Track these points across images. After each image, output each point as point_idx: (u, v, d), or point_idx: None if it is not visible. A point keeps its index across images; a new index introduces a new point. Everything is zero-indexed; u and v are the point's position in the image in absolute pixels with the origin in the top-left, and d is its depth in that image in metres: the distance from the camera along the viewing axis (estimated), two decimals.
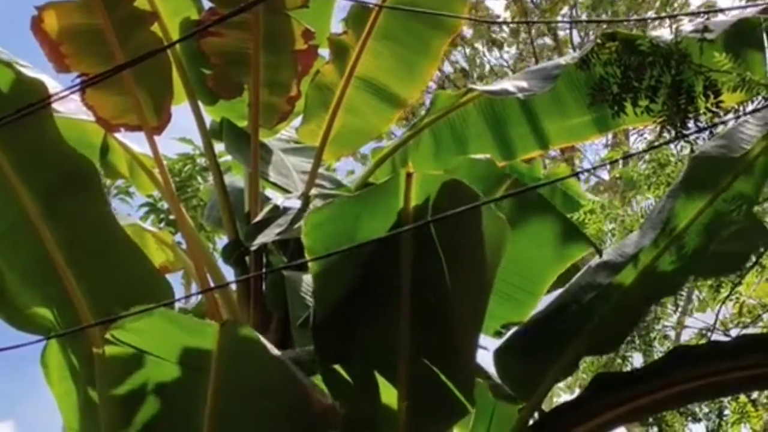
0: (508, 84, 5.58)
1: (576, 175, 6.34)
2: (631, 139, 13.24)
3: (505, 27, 14.23)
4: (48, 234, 4.77)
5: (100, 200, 5.03)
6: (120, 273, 4.90)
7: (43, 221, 4.78)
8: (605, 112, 5.86)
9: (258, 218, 5.26)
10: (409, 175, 4.14)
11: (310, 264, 4.37)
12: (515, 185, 4.84)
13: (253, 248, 5.21)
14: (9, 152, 4.74)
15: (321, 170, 5.99)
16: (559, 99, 6.04)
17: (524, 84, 5.47)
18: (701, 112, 3.92)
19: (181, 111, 5.80)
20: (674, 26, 4.16)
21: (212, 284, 5.40)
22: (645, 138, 5.09)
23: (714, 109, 3.91)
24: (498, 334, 5.03)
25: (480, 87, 6.85)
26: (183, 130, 7.72)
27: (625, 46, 4.06)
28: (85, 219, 4.89)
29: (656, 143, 5.07)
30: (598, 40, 4.32)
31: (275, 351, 4.19)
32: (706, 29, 4.23)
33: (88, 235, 4.89)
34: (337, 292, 4.36)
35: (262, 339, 4.17)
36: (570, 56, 6.09)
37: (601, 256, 4.74)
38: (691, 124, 3.90)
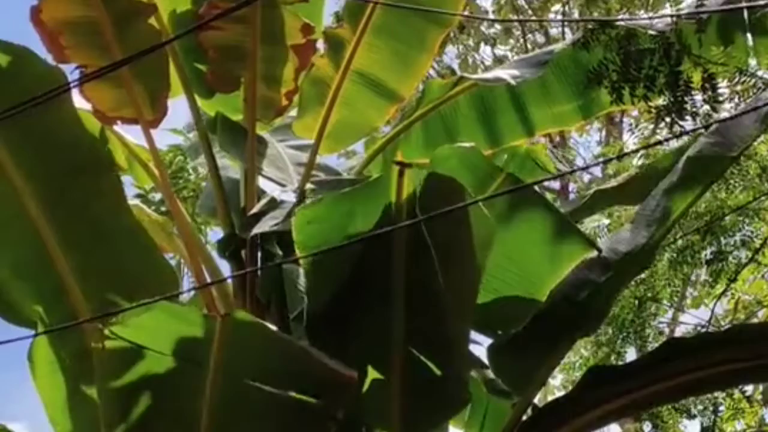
0: (500, 72, 5.64)
1: (573, 172, 6.34)
2: (625, 135, 13.30)
3: (497, 25, 14.23)
4: (48, 225, 4.76)
5: (114, 189, 5.01)
6: (123, 263, 4.89)
7: (45, 211, 4.77)
8: (590, 98, 5.96)
9: (254, 210, 5.25)
10: (401, 172, 4.16)
11: (301, 260, 4.37)
12: (509, 180, 4.84)
13: (247, 238, 5.21)
14: (20, 139, 4.73)
15: (318, 159, 5.97)
16: (547, 87, 6.09)
17: (515, 71, 5.58)
18: (699, 105, 3.94)
19: (174, 102, 5.79)
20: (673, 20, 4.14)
21: (207, 276, 5.39)
22: (641, 133, 5.12)
23: (712, 104, 3.92)
24: (494, 333, 5.01)
25: (472, 76, 6.87)
26: (175, 121, 7.68)
27: (624, 34, 4.07)
28: (94, 209, 4.89)
29: (652, 139, 5.08)
30: (595, 26, 4.32)
31: (280, 334, 4.20)
32: (700, 21, 4.24)
33: (94, 224, 4.88)
34: (330, 288, 4.37)
35: (266, 324, 4.18)
36: (560, 44, 6.12)
37: (600, 253, 4.73)
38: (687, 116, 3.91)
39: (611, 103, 4.22)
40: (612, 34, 4.09)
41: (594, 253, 4.70)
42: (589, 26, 4.34)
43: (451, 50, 14.62)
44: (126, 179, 6.92)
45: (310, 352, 4.09)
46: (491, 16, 14.04)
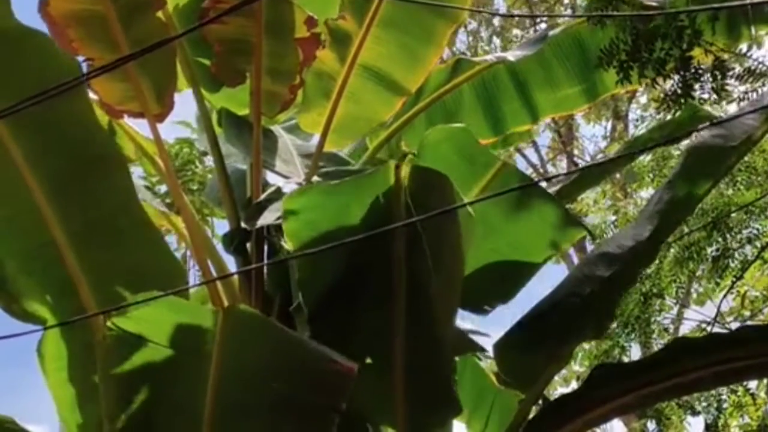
0: (502, 54, 5.66)
1: (579, 171, 6.34)
2: (630, 127, 13.29)
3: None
4: (57, 219, 4.77)
5: (124, 184, 5.01)
6: (132, 258, 4.90)
7: (54, 206, 4.77)
8: (594, 81, 5.96)
9: (259, 200, 5.26)
10: (398, 166, 4.19)
11: (292, 251, 4.36)
12: (505, 169, 4.85)
13: (251, 229, 5.21)
14: (30, 130, 4.73)
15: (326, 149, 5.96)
16: (550, 71, 6.10)
17: (517, 52, 5.72)
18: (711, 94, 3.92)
19: (182, 95, 5.78)
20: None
21: (212, 269, 5.39)
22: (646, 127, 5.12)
23: (720, 91, 3.91)
24: (485, 312, 5.06)
25: (474, 58, 6.88)
26: (184, 114, 7.68)
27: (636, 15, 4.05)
28: (105, 204, 4.89)
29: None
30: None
31: (281, 327, 4.20)
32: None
33: (104, 220, 4.88)
34: (327, 281, 4.37)
35: (267, 317, 4.18)
36: (562, 26, 6.13)
37: (594, 240, 4.76)
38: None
39: (617, 83, 4.21)
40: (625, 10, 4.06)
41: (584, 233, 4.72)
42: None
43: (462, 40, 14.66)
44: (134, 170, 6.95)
45: (311, 344, 4.09)
46: (503, 10, 14.05)
